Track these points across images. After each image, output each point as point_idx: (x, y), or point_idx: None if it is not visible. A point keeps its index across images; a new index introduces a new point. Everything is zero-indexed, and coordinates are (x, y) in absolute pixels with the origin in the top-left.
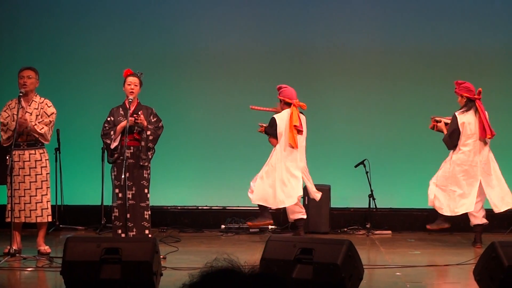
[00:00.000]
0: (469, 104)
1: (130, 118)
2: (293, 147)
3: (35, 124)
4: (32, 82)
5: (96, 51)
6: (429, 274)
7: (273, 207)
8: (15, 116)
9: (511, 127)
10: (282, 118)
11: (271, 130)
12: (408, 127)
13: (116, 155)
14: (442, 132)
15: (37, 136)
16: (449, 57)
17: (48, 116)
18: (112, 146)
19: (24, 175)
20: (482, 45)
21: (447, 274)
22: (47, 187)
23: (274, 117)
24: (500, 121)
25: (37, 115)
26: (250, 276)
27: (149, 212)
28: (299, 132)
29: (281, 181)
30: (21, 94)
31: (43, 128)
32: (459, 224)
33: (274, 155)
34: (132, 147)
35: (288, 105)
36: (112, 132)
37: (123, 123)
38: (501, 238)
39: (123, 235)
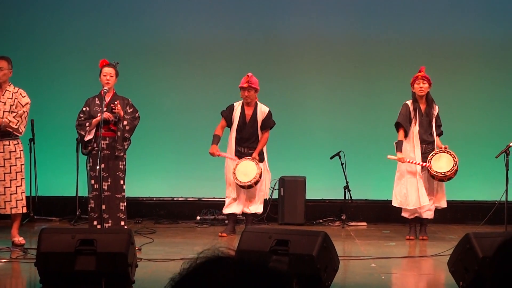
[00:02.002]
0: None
1: (105, 112)
2: None
3: (10, 121)
4: (5, 73)
5: (72, 41)
6: (404, 266)
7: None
8: None
9: (474, 121)
10: None
11: (273, 123)
12: (384, 118)
13: (90, 148)
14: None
15: (11, 130)
16: (424, 48)
17: (23, 106)
18: (86, 139)
19: None
20: (456, 36)
21: (422, 265)
22: (22, 178)
23: (270, 110)
24: (464, 115)
25: (11, 105)
26: (250, 266)
27: (125, 204)
28: None
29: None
30: None
31: (17, 122)
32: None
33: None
34: (107, 138)
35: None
36: (87, 124)
37: (99, 117)
38: (476, 230)
39: (98, 226)
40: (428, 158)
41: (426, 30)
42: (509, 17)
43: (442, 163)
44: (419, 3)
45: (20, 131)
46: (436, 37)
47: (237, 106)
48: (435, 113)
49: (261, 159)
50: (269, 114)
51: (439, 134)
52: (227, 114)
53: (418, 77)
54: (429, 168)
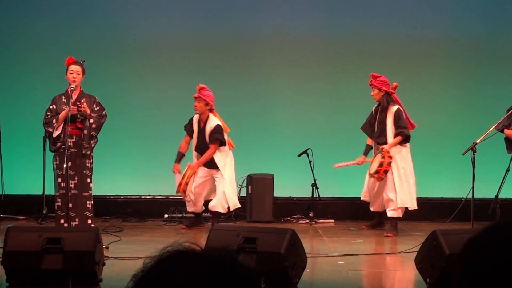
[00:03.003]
0: (388, 98)
1: (72, 107)
2: (231, 147)
3: None
4: None
5: (38, 39)
6: (372, 263)
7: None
8: None
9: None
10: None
11: (223, 138)
12: (351, 116)
13: (58, 144)
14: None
15: None
16: (392, 47)
17: None
18: (55, 135)
19: None
20: (423, 35)
21: (389, 262)
22: None
23: (219, 125)
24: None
25: None
26: (216, 260)
27: (92, 202)
28: None
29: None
30: None
31: None
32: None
33: (231, 157)
34: (74, 136)
35: (210, 110)
36: (54, 121)
37: (65, 112)
38: (442, 227)
39: (65, 224)
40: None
41: (394, 29)
42: (475, 16)
43: (374, 163)
44: (387, 2)
45: None
46: (403, 36)
47: (196, 118)
48: (391, 116)
49: (212, 166)
50: (216, 128)
51: (397, 134)
52: (189, 128)
53: (369, 85)
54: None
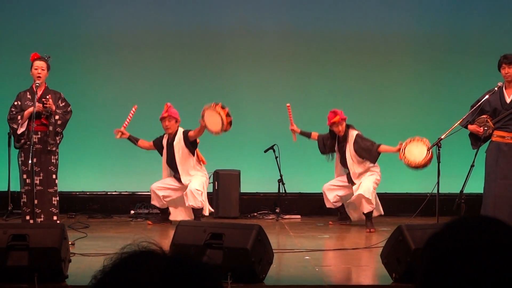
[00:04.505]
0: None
1: (38, 104)
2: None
3: None
4: None
5: (2, 34)
6: (338, 258)
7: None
8: None
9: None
10: None
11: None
12: (318, 111)
13: (22, 141)
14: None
15: None
16: (356, 43)
17: None
18: (19, 132)
19: None
20: (387, 31)
21: (355, 257)
22: None
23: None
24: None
25: None
26: (174, 259)
27: (57, 198)
28: None
29: None
30: None
31: None
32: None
33: (204, 173)
34: (39, 132)
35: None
36: (19, 117)
37: (31, 109)
38: (408, 222)
39: (31, 221)
40: (402, 147)
41: (358, 25)
42: (440, 12)
43: (416, 151)
44: None
45: None
46: (367, 32)
47: (165, 136)
48: (351, 145)
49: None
50: (185, 131)
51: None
52: (157, 142)
53: (334, 124)
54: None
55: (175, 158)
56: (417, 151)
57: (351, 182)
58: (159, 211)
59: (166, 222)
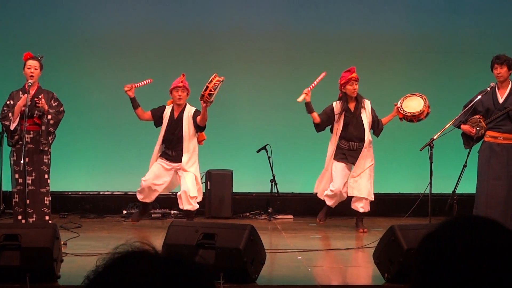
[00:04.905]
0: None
1: (24, 98)
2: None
3: None
4: None
5: None
6: (331, 258)
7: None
8: None
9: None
10: None
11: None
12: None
13: (16, 137)
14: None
15: None
16: (351, 44)
17: None
18: (12, 127)
19: None
20: (381, 33)
21: (348, 257)
22: None
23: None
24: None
25: None
26: (167, 259)
27: (49, 198)
28: None
29: None
30: None
31: None
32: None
33: (196, 153)
34: (32, 132)
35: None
36: (10, 114)
37: (21, 102)
38: (400, 222)
39: (23, 221)
40: (399, 105)
41: (351, 27)
42: (432, 14)
43: (412, 104)
44: None
45: None
46: (360, 34)
47: (168, 108)
48: (368, 109)
49: (177, 159)
50: (197, 111)
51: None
52: (156, 113)
53: (352, 78)
54: (398, 109)
55: (181, 133)
56: (414, 104)
57: (351, 159)
58: (140, 207)
59: (146, 217)
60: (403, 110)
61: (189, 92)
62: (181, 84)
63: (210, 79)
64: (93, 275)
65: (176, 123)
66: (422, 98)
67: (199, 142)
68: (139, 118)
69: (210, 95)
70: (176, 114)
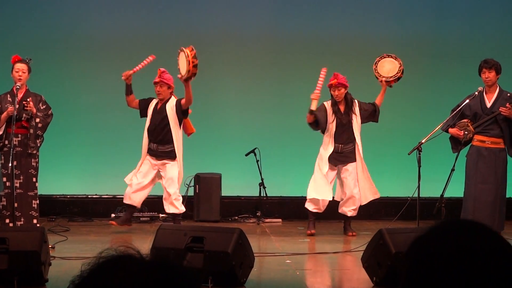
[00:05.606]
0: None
1: (10, 108)
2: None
3: None
4: None
5: None
6: (319, 262)
7: None
8: None
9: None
10: None
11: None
12: (299, 115)
13: (1, 144)
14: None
15: None
16: (339, 46)
17: None
18: None
19: None
20: (368, 35)
21: (336, 261)
22: None
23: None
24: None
25: None
26: (153, 263)
27: (37, 201)
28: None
29: None
30: None
31: None
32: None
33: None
34: (20, 135)
35: (170, 93)
36: None
37: (9, 112)
38: (389, 226)
39: (11, 224)
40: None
41: (341, 30)
42: (421, 18)
43: (388, 67)
44: (335, 1)
45: None
46: (350, 37)
47: (154, 101)
48: (356, 109)
49: (172, 157)
50: (179, 100)
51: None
52: (143, 103)
53: (332, 85)
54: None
55: (164, 122)
56: (389, 66)
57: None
58: (125, 211)
59: (129, 223)
60: (377, 70)
61: (172, 86)
62: (158, 80)
63: (186, 55)
64: (78, 280)
65: (158, 114)
66: (397, 61)
67: (187, 134)
68: (128, 104)
69: (195, 66)
70: (159, 106)
